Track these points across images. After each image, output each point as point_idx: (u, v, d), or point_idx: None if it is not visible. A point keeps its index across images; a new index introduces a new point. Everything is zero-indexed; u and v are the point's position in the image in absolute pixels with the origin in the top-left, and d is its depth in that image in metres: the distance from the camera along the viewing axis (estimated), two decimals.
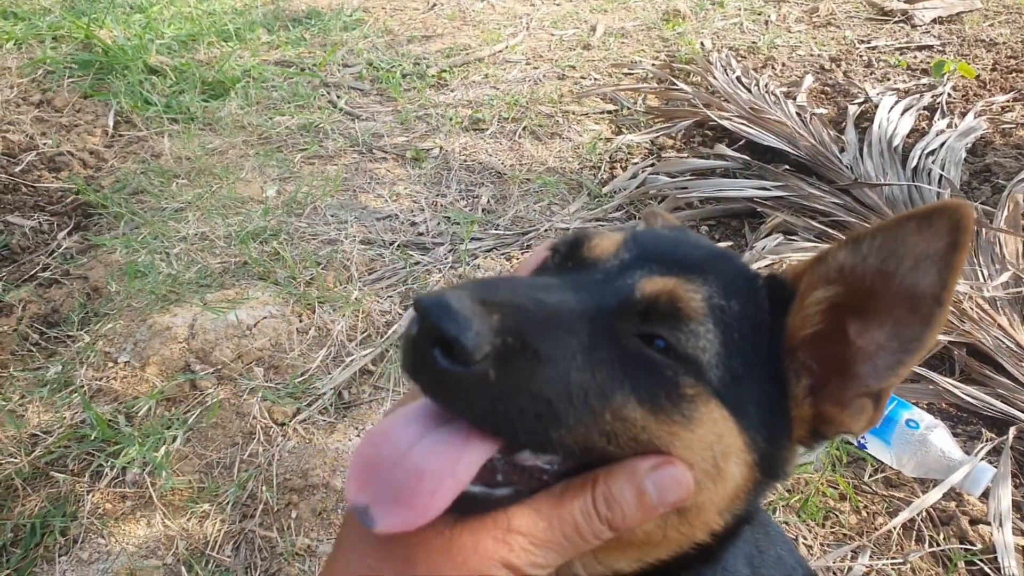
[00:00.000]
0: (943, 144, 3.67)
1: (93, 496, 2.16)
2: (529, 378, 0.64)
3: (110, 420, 2.34)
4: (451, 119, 4.30)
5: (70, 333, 2.72)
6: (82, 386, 2.46)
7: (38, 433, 2.32)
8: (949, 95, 4.35)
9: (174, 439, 2.30)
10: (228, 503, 2.17)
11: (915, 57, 5.06)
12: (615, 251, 0.84)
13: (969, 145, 3.75)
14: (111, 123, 4.07)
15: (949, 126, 3.92)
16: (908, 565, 2.01)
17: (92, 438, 2.29)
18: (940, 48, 5.17)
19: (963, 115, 4.07)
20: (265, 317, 2.73)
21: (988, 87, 4.49)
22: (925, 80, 4.62)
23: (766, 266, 2.86)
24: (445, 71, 4.94)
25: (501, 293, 0.68)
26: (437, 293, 0.63)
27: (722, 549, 0.85)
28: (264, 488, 2.19)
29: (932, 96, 4.31)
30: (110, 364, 2.56)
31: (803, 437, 0.83)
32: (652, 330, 0.74)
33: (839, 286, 0.79)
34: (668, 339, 0.73)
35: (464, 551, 0.66)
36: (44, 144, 3.76)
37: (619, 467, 0.70)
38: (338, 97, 4.56)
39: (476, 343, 0.61)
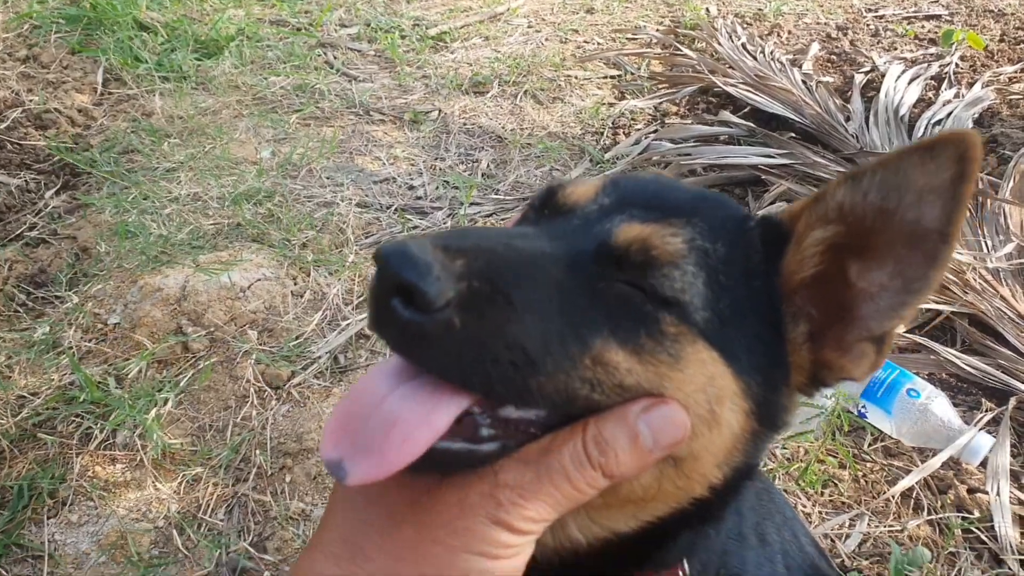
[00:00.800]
0: (950, 114, 3.62)
1: (82, 459, 2.14)
2: (500, 324, 0.61)
3: (100, 382, 2.30)
4: (451, 81, 4.21)
5: (58, 294, 2.66)
6: (71, 347, 2.42)
7: (25, 395, 2.28)
8: (957, 65, 4.28)
9: (165, 402, 2.26)
10: (221, 466, 2.14)
11: (923, 26, 4.97)
12: (593, 196, 0.81)
13: (976, 115, 3.69)
14: (100, 80, 3.97)
15: (956, 96, 3.86)
16: (906, 532, 2.00)
17: (81, 400, 2.25)
18: (948, 18, 5.09)
19: (970, 85, 4.01)
20: (259, 279, 2.68)
21: (996, 57, 4.42)
22: (933, 50, 4.55)
23: None
24: (445, 32, 4.83)
25: (469, 239, 0.65)
26: (397, 241, 0.60)
27: (722, 506, 0.82)
28: (257, 452, 2.17)
29: (939, 66, 4.24)
30: (100, 325, 2.51)
31: (802, 384, 0.80)
32: (632, 272, 0.71)
33: (838, 225, 0.75)
34: (646, 281, 0.71)
35: (450, 508, 0.63)
36: (31, 101, 3.67)
37: (610, 411, 0.67)
38: (335, 58, 4.46)
39: (437, 288, 0.57)
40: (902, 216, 0.70)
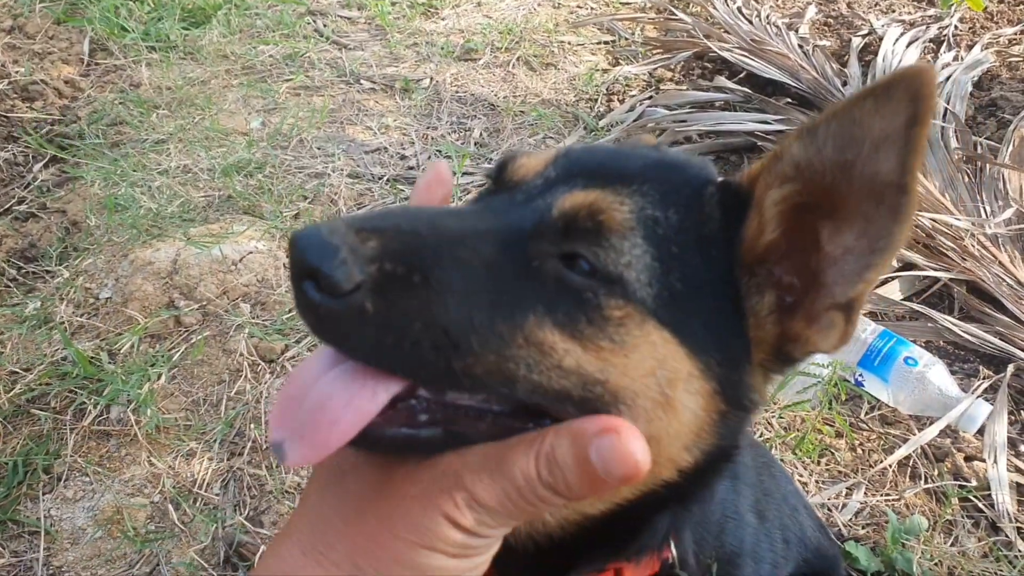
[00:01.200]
0: (949, 77, 3.57)
1: (77, 434, 2.12)
2: (417, 306, 0.59)
3: (92, 357, 2.28)
4: (442, 48, 4.14)
5: (48, 268, 2.63)
6: (62, 322, 2.39)
7: (17, 371, 2.26)
8: (956, 27, 4.22)
9: (159, 376, 2.25)
10: (215, 441, 2.13)
11: None
12: (541, 169, 0.77)
13: (975, 78, 3.64)
14: (86, 51, 3.89)
15: (955, 59, 3.81)
16: (902, 501, 2.01)
17: (74, 375, 2.23)
18: None
19: (970, 48, 3.96)
20: (251, 252, 2.65)
21: (996, 19, 4.35)
22: (931, 12, 4.48)
23: None
24: None
25: (388, 219, 0.62)
26: (312, 225, 0.58)
27: (700, 488, 0.79)
28: (252, 426, 2.16)
29: (938, 28, 4.18)
30: (91, 300, 2.49)
31: (766, 360, 0.75)
32: (572, 248, 0.67)
33: (796, 183, 0.68)
34: (587, 256, 0.66)
35: (412, 502, 0.62)
36: (16, 72, 3.60)
37: (567, 426, 0.63)
38: (324, 26, 4.37)
39: (344, 272, 0.56)
40: (861, 169, 0.64)
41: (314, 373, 0.61)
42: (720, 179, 0.77)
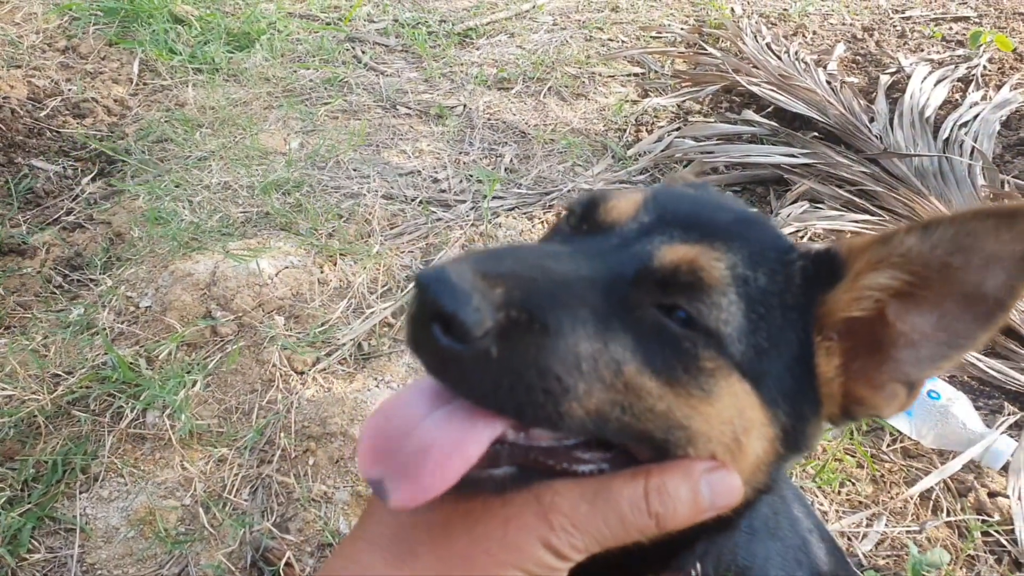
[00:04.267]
0: (977, 116, 3.59)
1: (113, 436, 2.19)
2: (536, 353, 0.61)
3: (131, 363, 2.36)
4: (476, 77, 4.25)
5: (93, 277, 2.73)
6: (104, 329, 2.48)
7: (60, 373, 2.34)
8: (984, 67, 4.24)
9: (194, 383, 2.32)
10: (246, 448, 2.19)
11: (951, 28, 4.93)
12: (633, 213, 0.80)
13: (1004, 118, 3.66)
14: (136, 71, 4.05)
15: (983, 98, 3.83)
16: (924, 534, 2.00)
17: (113, 379, 2.31)
18: (976, 20, 5.04)
19: (998, 88, 3.98)
20: (286, 267, 2.73)
21: None
22: (960, 52, 4.50)
23: (791, 233, 2.82)
24: (471, 29, 4.87)
25: (505, 263, 0.65)
26: (437, 267, 0.60)
27: (739, 518, 0.84)
28: (282, 434, 2.21)
29: (967, 68, 4.20)
30: (132, 308, 2.58)
31: (833, 415, 0.80)
32: (672, 301, 0.70)
33: (901, 272, 0.74)
34: (689, 310, 0.70)
35: (503, 523, 0.65)
36: (69, 90, 3.76)
37: (675, 465, 0.68)
38: (363, 52, 4.51)
39: (476, 319, 0.58)
40: (964, 276, 0.70)
41: (418, 412, 0.64)
42: (821, 247, 0.81)
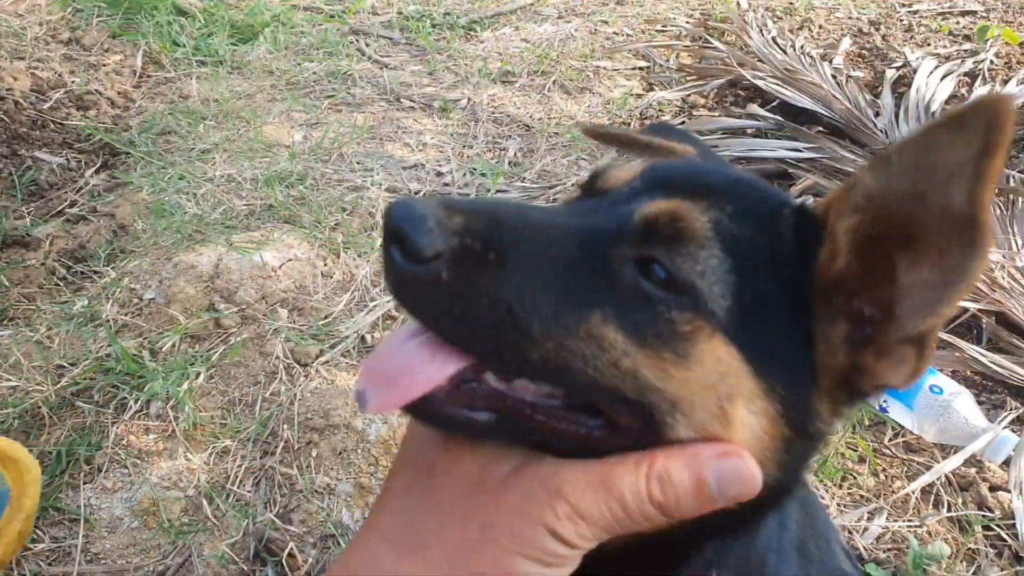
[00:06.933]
0: None
1: (117, 427, 2.20)
2: (487, 282, 0.62)
3: (135, 355, 2.37)
4: (480, 70, 4.24)
5: (96, 269, 2.74)
6: (108, 320, 2.49)
7: (64, 364, 2.35)
8: (991, 62, 4.21)
9: (197, 375, 2.32)
10: (249, 440, 2.20)
11: (957, 22, 4.90)
12: (628, 179, 0.79)
13: None
14: (139, 64, 4.06)
15: (990, 93, 3.81)
16: (925, 528, 2.01)
17: (117, 371, 2.32)
18: (984, 14, 5.01)
19: (1005, 82, 3.96)
20: (290, 260, 2.73)
21: None
22: (967, 46, 4.48)
23: None
24: (475, 22, 4.86)
25: (479, 204, 0.67)
26: (406, 197, 0.63)
27: (754, 518, 0.79)
28: (285, 426, 2.22)
29: (974, 62, 4.18)
30: (136, 300, 2.58)
31: (832, 388, 0.72)
32: (650, 252, 0.67)
33: (866, 213, 0.67)
34: (664, 262, 0.67)
35: (511, 511, 0.64)
36: (73, 82, 3.76)
37: (680, 449, 0.65)
38: (367, 45, 4.51)
39: (429, 240, 0.59)
40: (933, 200, 0.62)
41: (400, 339, 0.66)
42: (797, 203, 0.77)
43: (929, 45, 4.56)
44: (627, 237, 0.69)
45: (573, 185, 3.29)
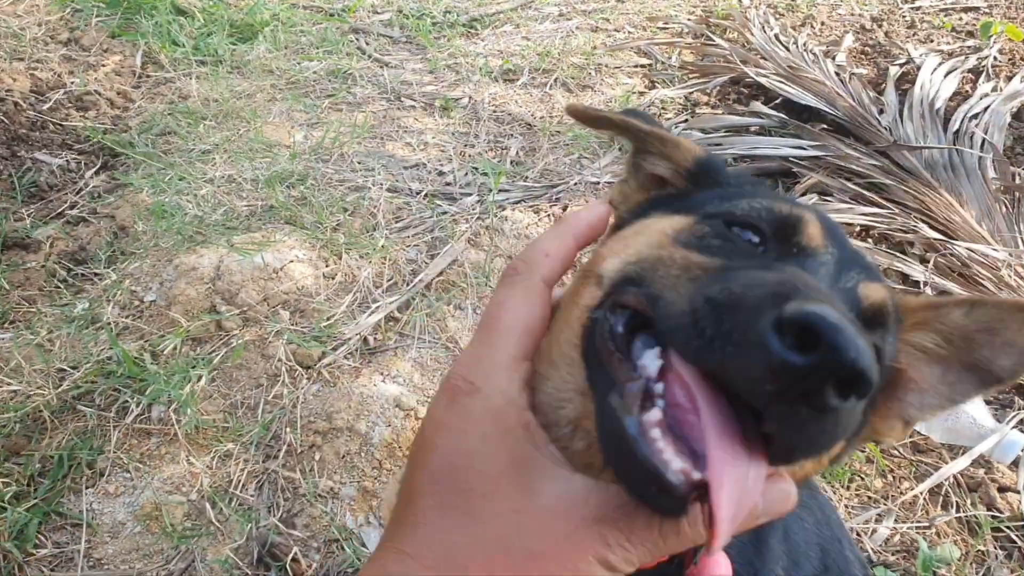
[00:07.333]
0: (987, 108, 3.56)
1: (119, 431, 2.18)
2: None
3: (136, 358, 2.35)
4: (481, 69, 4.22)
5: (97, 271, 2.72)
6: (109, 323, 2.47)
7: (65, 368, 2.33)
8: (995, 58, 4.21)
9: (199, 378, 2.31)
10: (252, 443, 2.18)
11: (960, 19, 4.89)
12: (823, 241, 0.80)
13: (1014, 109, 3.63)
14: (139, 64, 4.03)
15: (994, 89, 3.80)
16: (933, 529, 1.99)
17: (118, 374, 2.30)
18: (987, 10, 5.00)
19: (1009, 79, 3.94)
20: (291, 261, 2.71)
21: None
22: (970, 42, 4.47)
23: None
24: (476, 20, 4.84)
25: (838, 310, 0.62)
26: (830, 313, 0.53)
27: (766, 529, 0.86)
28: (288, 430, 2.20)
29: (977, 59, 4.17)
30: (136, 303, 2.56)
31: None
32: (873, 340, 0.73)
33: (937, 336, 0.82)
34: (880, 346, 0.75)
35: (560, 541, 0.63)
36: (72, 83, 3.74)
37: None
38: (367, 44, 4.49)
39: (875, 377, 0.54)
40: (982, 350, 0.79)
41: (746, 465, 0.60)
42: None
43: (932, 42, 4.54)
44: (861, 318, 0.75)
45: (575, 184, 3.27)
